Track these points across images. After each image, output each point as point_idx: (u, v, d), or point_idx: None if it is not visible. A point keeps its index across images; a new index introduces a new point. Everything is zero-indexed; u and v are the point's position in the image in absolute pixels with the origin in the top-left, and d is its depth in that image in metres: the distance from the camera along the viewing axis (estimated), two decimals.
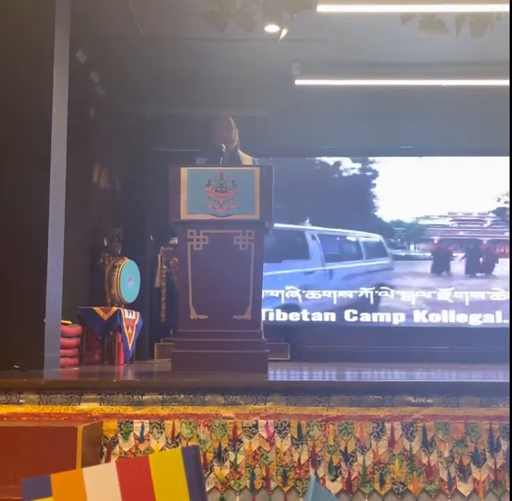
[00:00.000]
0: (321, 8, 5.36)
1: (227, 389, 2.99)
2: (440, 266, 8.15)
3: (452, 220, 8.21)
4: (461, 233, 8.20)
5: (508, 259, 7.94)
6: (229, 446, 2.90)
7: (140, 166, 7.97)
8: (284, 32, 5.54)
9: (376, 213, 8.23)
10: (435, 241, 8.20)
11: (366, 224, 8.22)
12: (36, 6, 4.64)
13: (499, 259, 8.08)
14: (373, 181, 8.24)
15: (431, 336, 7.74)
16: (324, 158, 8.31)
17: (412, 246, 8.21)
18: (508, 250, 7.97)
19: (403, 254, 8.19)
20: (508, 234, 7.94)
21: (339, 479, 2.86)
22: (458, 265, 8.14)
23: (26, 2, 4.65)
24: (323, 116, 7.65)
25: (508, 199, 8.04)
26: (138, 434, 2.93)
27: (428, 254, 8.20)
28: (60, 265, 4.69)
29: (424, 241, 8.20)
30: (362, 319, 7.95)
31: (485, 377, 3.94)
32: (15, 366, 4.09)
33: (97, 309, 6.14)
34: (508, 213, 8.02)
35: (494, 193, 8.15)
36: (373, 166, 8.24)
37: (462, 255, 8.16)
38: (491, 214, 8.18)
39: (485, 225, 8.20)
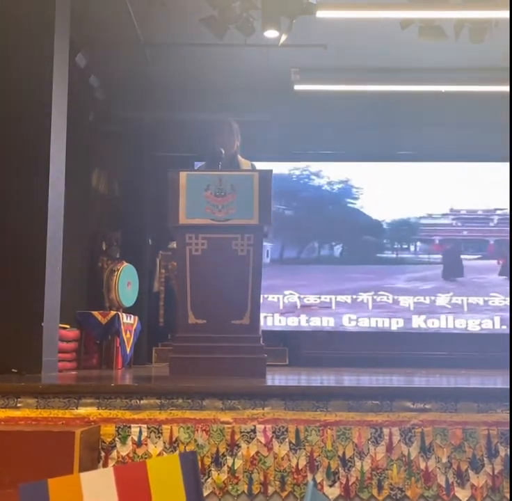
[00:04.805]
0: (320, 14, 5.36)
1: (225, 394, 2.98)
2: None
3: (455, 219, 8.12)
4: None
5: None
6: (227, 451, 2.89)
7: (139, 171, 7.97)
8: (284, 37, 5.54)
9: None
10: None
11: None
12: (36, 10, 4.64)
13: None
14: (368, 186, 8.24)
15: (429, 341, 7.74)
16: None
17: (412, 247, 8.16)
18: None
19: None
20: None
21: (337, 484, 2.86)
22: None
23: (26, 6, 4.65)
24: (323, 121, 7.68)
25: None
26: (136, 439, 2.92)
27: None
28: (58, 269, 4.69)
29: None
30: (360, 324, 7.94)
31: (483, 383, 3.94)
32: (13, 370, 4.08)
33: (95, 313, 6.13)
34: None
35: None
36: (370, 172, 8.24)
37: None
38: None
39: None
